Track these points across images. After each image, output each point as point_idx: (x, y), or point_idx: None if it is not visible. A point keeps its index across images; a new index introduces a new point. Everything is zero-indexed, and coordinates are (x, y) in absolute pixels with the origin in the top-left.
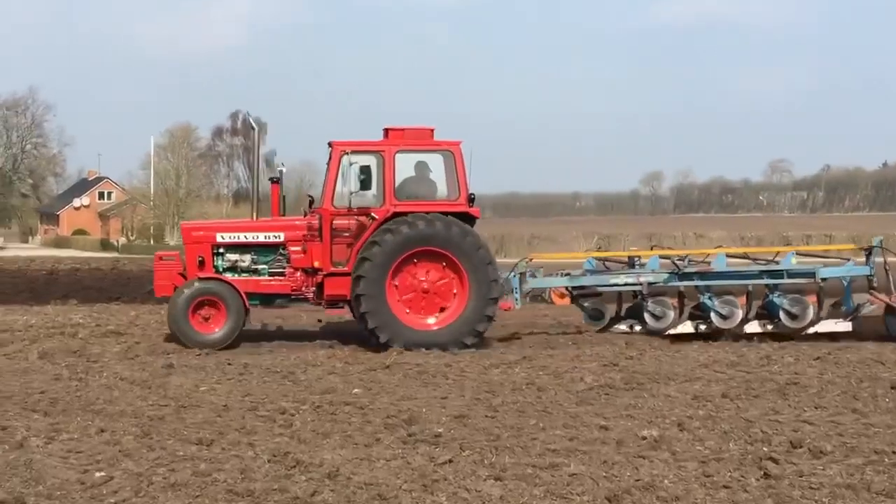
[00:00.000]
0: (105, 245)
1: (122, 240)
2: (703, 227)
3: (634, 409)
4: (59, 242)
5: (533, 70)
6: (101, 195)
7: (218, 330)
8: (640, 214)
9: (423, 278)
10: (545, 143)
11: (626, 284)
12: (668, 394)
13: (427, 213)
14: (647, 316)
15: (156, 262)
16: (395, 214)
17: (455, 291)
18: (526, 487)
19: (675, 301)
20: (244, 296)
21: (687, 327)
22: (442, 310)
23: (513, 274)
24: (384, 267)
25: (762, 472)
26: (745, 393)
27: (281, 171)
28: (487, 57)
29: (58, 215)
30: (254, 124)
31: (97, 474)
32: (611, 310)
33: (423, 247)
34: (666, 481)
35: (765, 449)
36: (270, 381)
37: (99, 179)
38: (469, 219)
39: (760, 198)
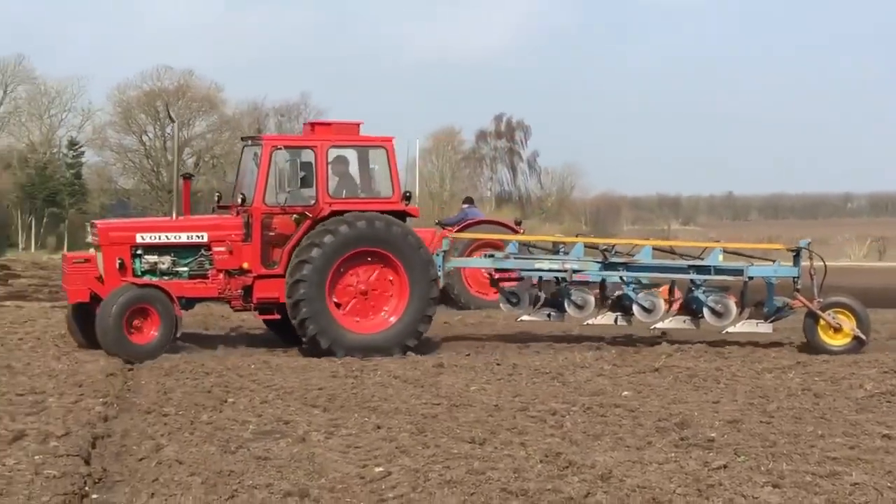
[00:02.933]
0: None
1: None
2: None
3: None
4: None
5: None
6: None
7: (154, 339)
8: None
9: (361, 280)
10: (813, 142)
11: (549, 270)
12: None
13: (363, 211)
14: (567, 304)
15: (66, 264)
16: (333, 213)
17: (392, 293)
18: (805, 496)
19: (596, 292)
20: (177, 301)
21: (608, 318)
22: (381, 312)
23: None
24: (324, 269)
25: None
26: None
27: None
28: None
29: None
30: (173, 116)
31: (376, 469)
32: (529, 296)
33: (363, 247)
34: None
35: None
36: (540, 382)
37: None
38: (404, 217)
39: None
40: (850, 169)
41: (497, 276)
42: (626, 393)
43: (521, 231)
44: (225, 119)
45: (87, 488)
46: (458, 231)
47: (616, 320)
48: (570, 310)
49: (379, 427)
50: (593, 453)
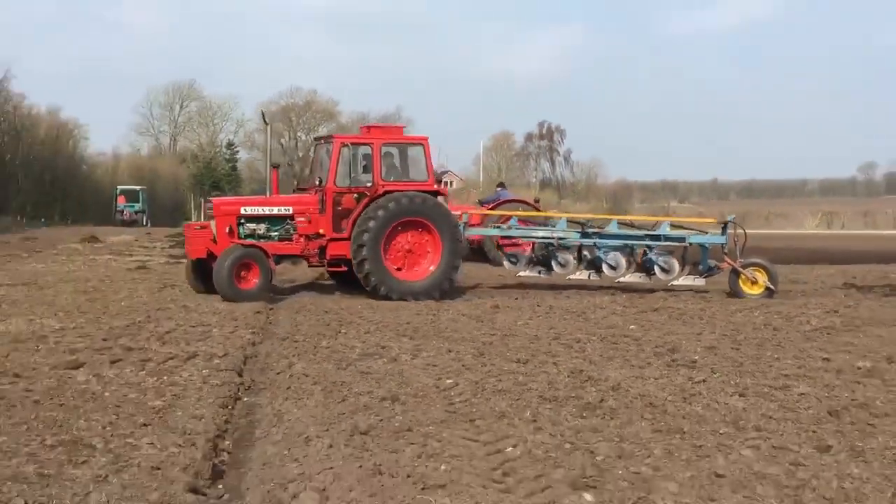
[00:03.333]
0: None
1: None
2: None
3: (851, 345)
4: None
5: None
6: (445, 183)
7: (255, 285)
8: (857, 196)
9: (406, 242)
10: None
11: (543, 238)
12: (880, 334)
13: (406, 191)
14: (553, 264)
15: (188, 230)
16: (385, 192)
17: (429, 251)
18: (763, 402)
19: (574, 254)
20: (271, 258)
21: (583, 275)
22: (421, 266)
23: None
24: (379, 235)
25: None
26: None
27: (277, 164)
28: None
29: None
30: (267, 120)
31: (447, 381)
32: (525, 258)
33: (407, 217)
34: (877, 402)
35: None
36: (569, 319)
37: (445, 171)
38: (436, 195)
39: None
40: (806, 157)
41: (502, 241)
42: (632, 327)
43: (538, 208)
44: (340, 126)
45: (239, 393)
46: (490, 208)
47: (589, 276)
48: (556, 268)
49: (450, 350)
50: (606, 371)
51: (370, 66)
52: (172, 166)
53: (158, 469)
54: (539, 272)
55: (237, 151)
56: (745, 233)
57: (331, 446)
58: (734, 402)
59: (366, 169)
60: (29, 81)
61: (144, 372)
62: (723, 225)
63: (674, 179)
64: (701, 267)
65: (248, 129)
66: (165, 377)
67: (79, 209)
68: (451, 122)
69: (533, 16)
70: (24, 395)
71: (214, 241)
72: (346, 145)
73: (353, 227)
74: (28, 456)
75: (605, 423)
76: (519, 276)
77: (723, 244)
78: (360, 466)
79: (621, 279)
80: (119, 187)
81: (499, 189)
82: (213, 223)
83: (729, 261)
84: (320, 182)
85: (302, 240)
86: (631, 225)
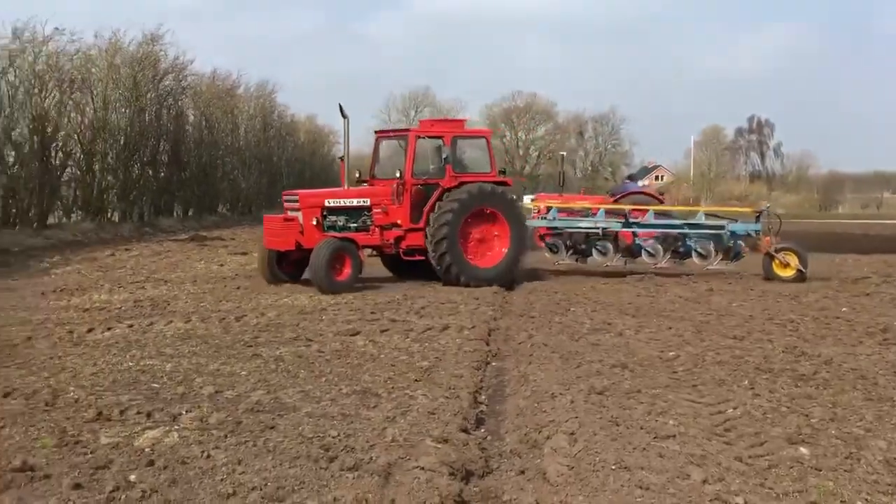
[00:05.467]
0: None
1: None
2: None
3: None
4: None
5: None
6: (656, 177)
7: (348, 276)
8: None
9: (478, 231)
10: None
11: (587, 228)
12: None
13: (480, 181)
14: (594, 252)
15: (273, 223)
16: (461, 184)
17: (498, 239)
18: None
19: (612, 244)
20: (361, 249)
21: (619, 262)
22: (491, 253)
23: None
24: (457, 224)
25: None
26: None
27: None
28: None
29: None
30: (345, 114)
31: (669, 353)
32: (565, 246)
33: (480, 206)
34: None
35: None
36: (781, 301)
37: (655, 166)
38: (502, 185)
39: None
40: None
41: (543, 233)
42: (844, 309)
43: (662, 200)
44: (557, 125)
45: (488, 359)
46: (616, 199)
47: (625, 263)
48: (595, 255)
49: (670, 328)
50: (820, 347)
51: (586, 67)
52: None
53: (434, 414)
54: (576, 260)
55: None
56: (780, 220)
57: (572, 402)
58: None
59: (438, 161)
60: (291, 93)
61: (409, 339)
62: (757, 214)
63: (886, 170)
64: (733, 253)
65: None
66: (427, 343)
67: None
68: (661, 118)
69: (746, 16)
70: (317, 354)
71: (302, 232)
72: (421, 138)
73: (427, 218)
74: (330, 401)
75: (819, 392)
76: (557, 264)
77: (756, 231)
78: (600, 417)
79: (659, 264)
80: None
81: (626, 181)
82: (299, 215)
83: (763, 245)
84: (401, 174)
85: (377, 230)
86: (667, 214)
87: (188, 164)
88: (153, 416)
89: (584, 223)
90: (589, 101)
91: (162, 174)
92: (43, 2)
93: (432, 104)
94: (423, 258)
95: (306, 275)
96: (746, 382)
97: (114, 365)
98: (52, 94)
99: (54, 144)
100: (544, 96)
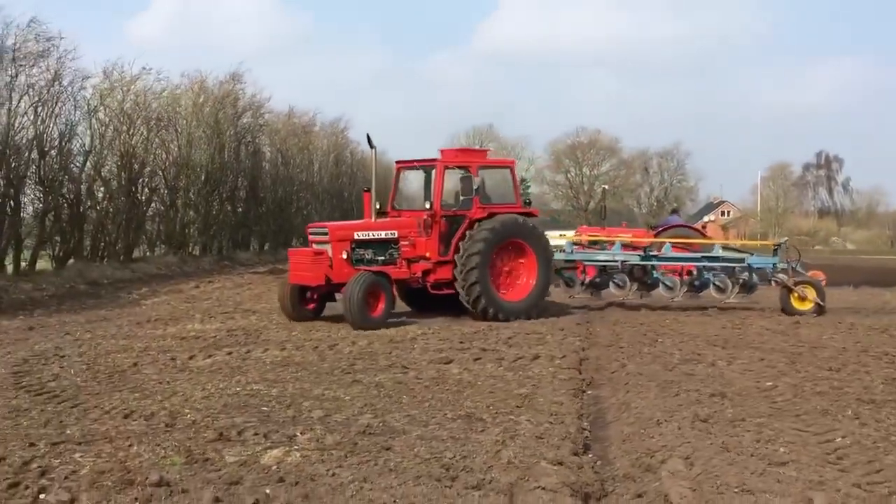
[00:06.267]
0: (725, 248)
1: (738, 243)
2: None
3: None
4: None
5: None
6: (722, 213)
7: (382, 312)
8: None
9: (504, 263)
10: None
11: (605, 261)
12: None
13: (508, 213)
14: (612, 285)
15: (301, 256)
16: (491, 214)
17: (524, 271)
18: None
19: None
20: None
21: (635, 294)
22: (518, 286)
23: None
24: (487, 257)
25: None
26: None
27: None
28: None
29: None
30: (373, 144)
31: (767, 383)
32: (579, 280)
33: (510, 238)
34: None
35: None
36: (873, 334)
37: (721, 202)
38: (527, 216)
39: None
40: None
41: (561, 267)
42: None
43: (705, 234)
44: (622, 160)
45: (584, 388)
46: (658, 232)
47: (641, 296)
48: (612, 289)
49: (762, 359)
50: None
51: (650, 103)
52: None
53: (542, 438)
54: (590, 293)
55: (528, 186)
56: (799, 252)
57: (679, 428)
58: None
59: (469, 192)
60: (360, 130)
61: (502, 367)
62: (775, 247)
63: None
64: (748, 285)
65: (538, 165)
66: (520, 372)
67: None
68: (728, 153)
69: (813, 49)
70: (416, 381)
71: (331, 266)
72: (450, 168)
73: (455, 250)
74: (437, 425)
75: None
76: (571, 297)
77: (775, 264)
78: (711, 444)
79: (676, 299)
80: None
81: (670, 216)
82: (328, 248)
83: (782, 278)
84: (431, 205)
85: (404, 263)
86: (686, 247)
87: (264, 199)
88: (270, 437)
89: (602, 256)
90: (654, 136)
91: (240, 209)
92: (130, 45)
93: (496, 140)
94: (451, 291)
95: (340, 309)
96: (850, 412)
97: (222, 389)
98: (140, 132)
99: (141, 180)
100: (608, 132)
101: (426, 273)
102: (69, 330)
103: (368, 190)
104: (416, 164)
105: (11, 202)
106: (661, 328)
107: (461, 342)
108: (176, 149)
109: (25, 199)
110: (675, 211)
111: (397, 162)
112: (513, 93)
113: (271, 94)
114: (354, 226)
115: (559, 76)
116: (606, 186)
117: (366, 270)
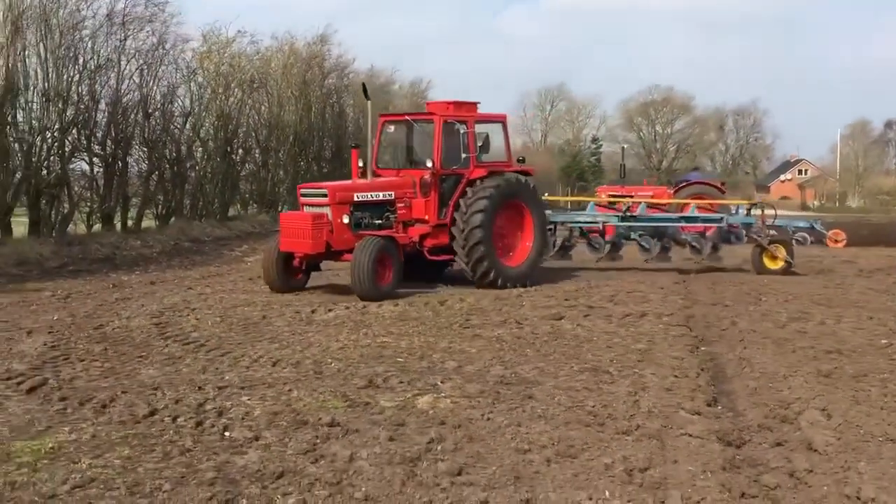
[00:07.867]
0: (803, 207)
1: (816, 203)
2: None
3: None
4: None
5: None
6: (799, 171)
7: (391, 280)
8: None
9: (502, 225)
10: None
11: (585, 222)
12: None
13: (507, 172)
14: (587, 247)
15: (290, 220)
16: (491, 173)
17: (522, 234)
18: None
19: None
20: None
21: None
22: (516, 250)
23: None
24: (491, 217)
25: None
26: None
27: (357, 144)
28: None
29: (768, 186)
30: (368, 95)
31: (881, 341)
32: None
33: (512, 199)
34: None
35: None
36: None
37: (798, 161)
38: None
39: None
40: None
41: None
42: None
43: (724, 191)
44: (696, 118)
45: (696, 345)
46: (677, 190)
47: (613, 258)
48: (588, 250)
49: (871, 318)
50: None
51: (726, 59)
52: (544, 159)
53: (670, 390)
54: (560, 256)
55: (600, 145)
56: (776, 212)
57: (805, 382)
58: None
59: (463, 148)
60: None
61: (613, 324)
62: (748, 207)
63: None
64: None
65: (609, 124)
66: (631, 328)
67: None
68: (806, 111)
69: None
70: (533, 336)
71: (332, 231)
72: (449, 122)
73: (453, 212)
74: (566, 376)
75: None
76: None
77: (750, 224)
78: (841, 396)
79: (652, 258)
80: None
81: (692, 172)
82: (327, 211)
83: (755, 237)
84: (432, 163)
85: (400, 227)
86: (659, 207)
87: (348, 159)
88: (415, 385)
89: (582, 217)
90: (730, 94)
91: (325, 170)
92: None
93: (568, 99)
94: (450, 257)
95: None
96: None
97: (353, 341)
98: (234, 94)
99: (235, 141)
100: (682, 90)
101: (423, 237)
102: (189, 285)
103: (358, 146)
104: (405, 117)
105: (119, 163)
106: (761, 287)
107: (566, 300)
108: (267, 110)
109: (131, 160)
110: (696, 168)
111: (381, 115)
112: (585, 50)
113: (355, 56)
114: (354, 186)
115: (634, 32)
116: (626, 146)
117: (371, 235)
